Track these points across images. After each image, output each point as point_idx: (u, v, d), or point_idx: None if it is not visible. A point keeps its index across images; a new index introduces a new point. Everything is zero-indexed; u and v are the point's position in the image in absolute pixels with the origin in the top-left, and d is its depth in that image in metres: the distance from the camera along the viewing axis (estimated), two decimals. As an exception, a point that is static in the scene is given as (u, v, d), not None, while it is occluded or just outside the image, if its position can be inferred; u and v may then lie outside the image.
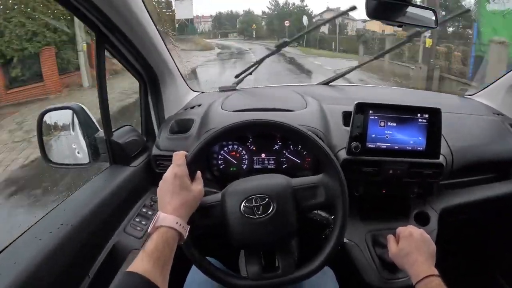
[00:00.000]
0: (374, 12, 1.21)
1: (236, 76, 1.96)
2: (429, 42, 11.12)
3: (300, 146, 1.50)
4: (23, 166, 5.63)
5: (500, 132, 1.66)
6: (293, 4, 50.37)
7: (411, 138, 1.32)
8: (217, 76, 14.16)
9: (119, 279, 0.98)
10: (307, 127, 1.16)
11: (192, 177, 0.96)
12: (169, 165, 1.40)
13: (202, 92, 2.01)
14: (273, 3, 52.29)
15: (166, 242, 0.82)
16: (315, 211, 1.13)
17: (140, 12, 1.25)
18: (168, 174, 0.94)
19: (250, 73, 1.91)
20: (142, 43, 1.36)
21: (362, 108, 1.30)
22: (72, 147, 1.40)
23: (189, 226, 0.90)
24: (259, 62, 1.86)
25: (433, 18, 1.30)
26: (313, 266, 1.00)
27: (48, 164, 1.33)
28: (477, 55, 10.16)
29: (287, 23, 40.98)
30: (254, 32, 51.40)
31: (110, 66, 1.63)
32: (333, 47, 30.45)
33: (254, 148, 1.52)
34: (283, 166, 1.51)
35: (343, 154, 1.36)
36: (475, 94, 2.04)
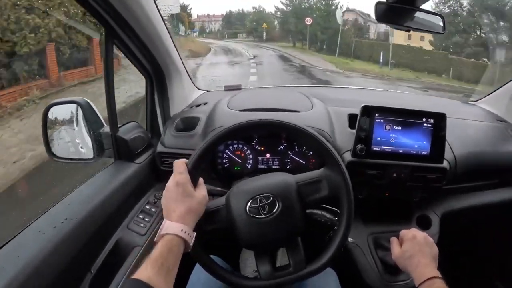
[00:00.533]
0: (383, 16, 1.21)
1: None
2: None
3: (305, 147, 1.50)
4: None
5: (503, 139, 1.67)
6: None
7: (416, 142, 1.33)
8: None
9: (124, 286, 1.00)
10: (314, 128, 1.16)
11: (194, 183, 0.97)
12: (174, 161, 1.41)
13: (207, 91, 2.02)
14: (288, -3, 40.50)
15: (171, 250, 0.82)
16: (320, 212, 1.12)
17: (150, 9, 1.25)
18: (171, 183, 0.94)
19: None
20: (150, 40, 1.36)
21: (368, 111, 1.31)
22: (76, 142, 1.39)
23: (195, 233, 0.90)
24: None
25: (441, 23, 1.30)
26: (324, 259, 1.00)
27: (52, 158, 1.32)
28: None
29: (308, 20, 32.04)
30: (264, 33, 45.74)
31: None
32: (380, 59, 21.82)
33: (259, 148, 1.52)
34: (288, 167, 1.51)
35: (348, 157, 1.36)
36: (479, 100, 2.04)
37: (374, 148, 1.33)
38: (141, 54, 1.42)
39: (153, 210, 1.35)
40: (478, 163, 1.54)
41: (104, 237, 1.18)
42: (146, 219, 1.30)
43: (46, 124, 1.31)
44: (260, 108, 1.53)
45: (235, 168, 1.53)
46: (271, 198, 0.98)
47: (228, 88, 1.97)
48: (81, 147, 1.39)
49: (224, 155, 1.52)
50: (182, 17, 38.04)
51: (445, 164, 1.37)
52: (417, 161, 1.34)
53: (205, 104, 1.71)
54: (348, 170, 1.03)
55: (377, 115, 1.31)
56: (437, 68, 19.87)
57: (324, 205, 1.16)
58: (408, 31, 1.32)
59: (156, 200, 1.39)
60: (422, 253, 1.03)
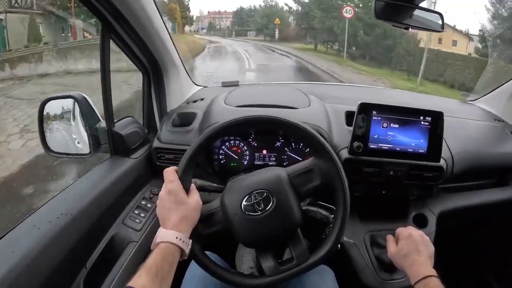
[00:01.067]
0: (381, 14, 1.21)
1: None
2: None
3: (301, 144, 1.50)
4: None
5: (500, 138, 1.67)
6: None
7: (413, 140, 1.32)
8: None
9: None
10: (310, 125, 1.16)
11: (187, 189, 0.97)
12: (170, 158, 1.40)
13: (205, 87, 2.01)
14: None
15: (165, 258, 0.82)
16: (315, 209, 1.12)
17: (147, 3, 1.24)
18: (163, 193, 0.94)
19: None
20: (147, 34, 1.35)
21: (366, 108, 1.31)
22: (73, 137, 1.39)
23: (190, 241, 0.90)
24: None
25: (440, 22, 1.30)
26: (327, 247, 1.00)
27: (47, 153, 1.32)
28: None
29: (348, 11, 21.11)
30: (277, 30, 39.37)
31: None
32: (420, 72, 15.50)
33: (255, 144, 1.52)
34: (284, 164, 1.51)
35: (344, 154, 1.36)
36: (476, 99, 2.04)
37: (371, 146, 1.33)
38: (138, 49, 1.42)
39: (149, 205, 1.35)
40: (475, 162, 1.54)
41: (100, 233, 1.17)
42: (142, 215, 1.30)
43: (42, 119, 1.30)
44: (257, 104, 1.53)
45: (232, 164, 1.53)
46: (265, 193, 0.97)
47: (226, 84, 1.97)
48: (78, 142, 1.38)
49: (221, 151, 1.52)
50: (171, 10, 31.91)
51: (442, 162, 1.37)
52: (414, 159, 1.34)
53: (202, 99, 1.71)
54: (345, 168, 1.03)
55: (374, 112, 1.30)
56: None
57: (319, 202, 1.15)
58: (407, 29, 1.31)
59: (152, 195, 1.39)
60: (418, 251, 1.03)
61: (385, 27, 18.85)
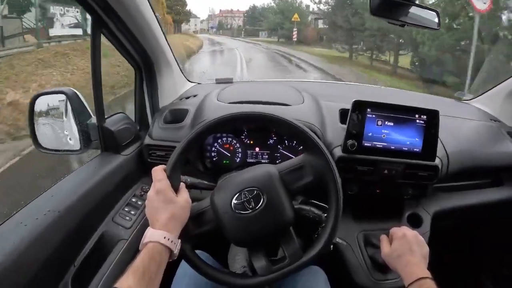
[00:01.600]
0: (377, 10, 1.21)
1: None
2: None
3: (295, 142, 1.49)
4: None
5: (496, 138, 1.67)
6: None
7: (408, 138, 1.31)
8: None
9: None
10: (303, 122, 1.14)
11: (175, 188, 0.95)
12: (161, 155, 1.39)
13: (198, 83, 2.00)
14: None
15: (153, 258, 0.81)
16: (308, 208, 1.11)
17: None
18: (151, 192, 0.93)
19: None
20: (139, 30, 1.34)
21: (360, 106, 1.30)
22: (64, 133, 1.37)
23: (179, 241, 0.89)
24: None
25: (436, 20, 1.29)
26: (319, 246, 0.98)
27: (38, 149, 1.30)
28: None
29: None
30: (295, 31, 31.51)
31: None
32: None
33: (248, 142, 1.51)
34: (277, 161, 1.50)
35: (338, 152, 1.35)
36: (472, 99, 2.05)
37: (365, 144, 1.32)
38: (130, 44, 1.40)
39: (139, 203, 1.33)
40: (471, 162, 1.54)
41: (89, 230, 1.16)
42: (132, 212, 1.29)
43: (33, 115, 1.29)
44: (250, 101, 1.52)
45: (224, 161, 1.52)
46: (255, 191, 0.96)
47: (220, 81, 1.96)
48: (69, 139, 1.37)
49: (213, 149, 1.51)
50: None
51: (437, 162, 1.37)
52: (409, 158, 1.33)
53: (195, 96, 1.70)
54: (339, 166, 1.01)
55: (368, 110, 1.29)
56: None
57: (312, 201, 1.14)
58: (403, 26, 1.31)
59: (142, 193, 1.37)
60: (412, 252, 1.02)
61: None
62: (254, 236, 0.97)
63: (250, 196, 0.95)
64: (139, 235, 1.13)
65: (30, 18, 11.79)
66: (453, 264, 1.96)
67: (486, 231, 1.90)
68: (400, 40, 16.35)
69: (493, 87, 1.91)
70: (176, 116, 1.54)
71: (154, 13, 1.38)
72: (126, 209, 1.29)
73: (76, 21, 13.18)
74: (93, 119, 1.33)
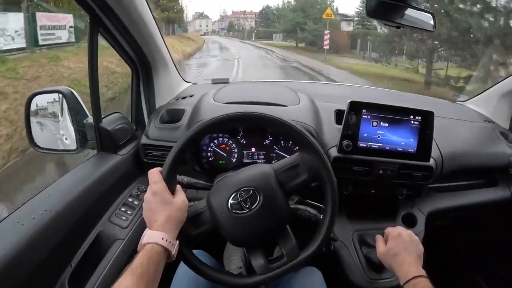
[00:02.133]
0: (373, 12, 1.21)
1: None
2: None
3: (290, 142, 1.49)
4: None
5: (490, 139, 1.68)
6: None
7: (403, 139, 1.33)
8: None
9: None
10: (299, 122, 1.15)
11: (172, 190, 0.95)
12: (158, 155, 1.39)
13: (194, 83, 2.00)
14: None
15: (151, 259, 0.81)
16: (303, 208, 1.12)
17: None
18: (148, 194, 0.93)
19: None
20: (137, 29, 1.34)
21: (356, 107, 1.30)
22: (60, 132, 1.37)
23: (177, 242, 0.89)
24: None
25: (431, 21, 1.30)
26: (317, 243, 0.99)
27: (34, 148, 1.30)
28: None
29: None
30: (327, 36, 20.57)
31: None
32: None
33: (244, 142, 1.51)
34: (273, 162, 1.50)
35: (334, 152, 1.36)
36: (467, 100, 2.06)
37: (361, 145, 1.33)
38: (127, 44, 1.40)
39: (135, 203, 1.33)
40: (465, 163, 1.55)
41: (85, 230, 1.16)
42: (129, 212, 1.29)
43: (29, 114, 1.29)
44: (246, 101, 1.52)
45: (220, 162, 1.52)
46: (251, 191, 0.96)
47: (216, 81, 1.96)
48: (65, 138, 1.37)
49: (209, 149, 1.51)
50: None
51: (431, 162, 1.38)
52: (404, 159, 1.35)
53: (191, 96, 1.70)
54: (334, 166, 1.02)
55: (364, 111, 1.30)
56: None
57: (308, 201, 1.15)
58: (398, 27, 1.31)
59: (139, 193, 1.37)
60: (407, 251, 1.03)
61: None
62: (251, 235, 0.97)
63: (247, 196, 0.95)
64: (136, 235, 1.13)
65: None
66: (447, 263, 1.97)
67: (480, 231, 1.91)
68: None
69: (488, 89, 1.93)
70: (173, 116, 1.55)
71: (152, 13, 1.38)
72: (122, 209, 1.29)
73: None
74: (90, 119, 1.33)
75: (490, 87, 1.91)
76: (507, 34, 10.02)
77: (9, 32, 8.39)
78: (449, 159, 1.48)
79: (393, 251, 1.05)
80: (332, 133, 1.43)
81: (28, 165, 4.87)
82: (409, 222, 1.46)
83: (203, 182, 1.19)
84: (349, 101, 1.31)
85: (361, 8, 22.79)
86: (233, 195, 0.96)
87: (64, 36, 10.87)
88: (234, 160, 1.52)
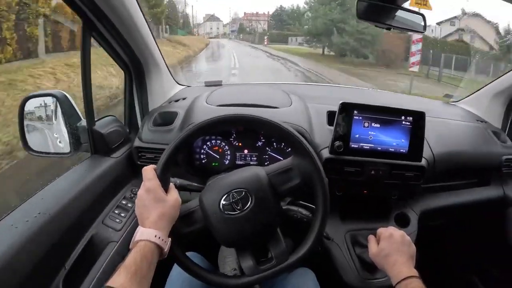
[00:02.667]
0: (364, 14, 1.23)
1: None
2: None
3: (283, 144, 1.50)
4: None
5: (482, 139, 1.70)
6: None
7: (394, 140, 1.33)
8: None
9: None
10: (291, 124, 1.16)
11: (165, 187, 0.96)
12: (151, 157, 1.39)
13: (188, 86, 2.01)
14: None
15: (144, 256, 0.81)
16: (296, 209, 1.12)
17: (129, 1, 1.23)
18: (141, 191, 0.93)
19: None
20: (129, 33, 1.34)
21: (347, 108, 1.31)
22: (54, 136, 1.37)
23: (169, 239, 0.90)
24: None
25: (422, 23, 1.31)
26: (306, 247, 1.00)
27: (28, 152, 1.30)
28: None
29: None
30: (413, 40, 9.71)
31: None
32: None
33: (237, 144, 1.52)
34: (266, 163, 1.51)
35: (326, 153, 1.36)
36: (460, 100, 2.08)
37: (352, 145, 1.33)
38: (120, 48, 1.41)
39: (129, 205, 1.34)
40: (457, 162, 1.56)
41: (79, 232, 1.16)
42: (122, 215, 1.29)
43: (23, 117, 1.28)
44: (238, 103, 1.52)
45: (213, 164, 1.53)
46: (243, 192, 0.97)
47: (209, 84, 1.97)
48: (59, 141, 1.37)
49: (202, 151, 1.52)
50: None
51: (423, 162, 1.39)
52: (396, 159, 1.35)
53: (184, 99, 1.70)
54: (326, 167, 1.03)
55: (355, 112, 1.31)
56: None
57: (300, 202, 1.15)
58: (389, 29, 1.32)
59: (132, 195, 1.38)
60: (399, 251, 1.04)
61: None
62: (241, 237, 0.98)
63: (239, 197, 0.96)
64: (129, 237, 1.13)
65: None
66: (441, 263, 1.98)
67: (474, 230, 1.92)
68: None
69: (480, 89, 1.95)
70: (166, 118, 1.55)
71: (144, 17, 1.38)
72: (116, 212, 1.29)
73: None
74: (83, 122, 1.33)
75: (483, 87, 1.92)
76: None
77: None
78: (441, 159, 1.49)
79: (385, 251, 1.06)
80: (324, 134, 1.44)
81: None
82: (402, 222, 1.47)
83: (196, 184, 1.19)
84: (340, 102, 1.32)
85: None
86: (225, 196, 0.97)
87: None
88: (227, 162, 1.53)
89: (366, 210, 1.47)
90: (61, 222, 1.06)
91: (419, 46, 9.99)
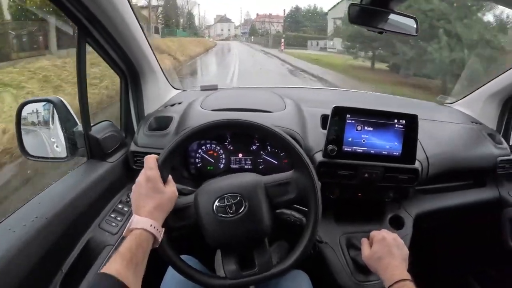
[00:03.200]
0: (356, 18, 1.22)
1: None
2: None
3: (277, 148, 1.51)
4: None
5: (477, 140, 1.70)
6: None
7: (387, 143, 1.34)
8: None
9: (92, 280, 0.99)
10: (285, 128, 1.17)
11: (164, 179, 0.97)
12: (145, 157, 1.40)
13: (183, 90, 2.02)
14: None
15: (140, 244, 0.82)
16: (289, 212, 1.13)
17: (122, 7, 1.24)
18: (141, 178, 0.94)
19: None
20: (124, 38, 1.35)
21: (340, 111, 1.32)
22: (51, 141, 1.38)
23: (163, 229, 0.90)
24: None
25: (414, 26, 1.31)
26: (289, 262, 1.00)
27: (25, 156, 1.31)
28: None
29: None
30: None
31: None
32: None
33: (231, 148, 1.53)
34: (260, 167, 1.52)
35: (319, 157, 1.37)
36: (454, 102, 2.08)
37: (346, 149, 1.34)
38: (115, 53, 1.42)
39: (125, 209, 1.35)
40: (452, 164, 1.57)
41: (75, 236, 1.17)
42: (118, 218, 1.30)
43: (20, 122, 1.29)
44: (233, 108, 1.54)
45: (208, 168, 1.53)
46: (238, 198, 0.98)
47: (204, 88, 1.98)
48: (56, 146, 1.38)
49: (197, 155, 1.53)
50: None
51: (417, 165, 1.39)
52: (389, 162, 1.36)
53: (179, 103, 1.71)
54: (319, 171, 1.04)
55: (348, 116, 1.32)
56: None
57: (293, 205, 1.16)
58: (381, 33, 1.33)
59: (128, 199, 1.38)
60: (392, 254, 1.04)
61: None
62: (229, 240, 0.99)
63: (233, 202, 0.97)
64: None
65: None
66: (437, 264, 1.99)
67: (468, 232, 1.93)
68: None
69: (474, 90, 1.95)
70: (161, 123, 1.56)
71: (139, 22, 1.39)
72: (112, 215, 1.30)
73: None
74: (79, 127, 1.34)
75: (477, 89, 1.93)
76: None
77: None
78: (435, 161, 1.50)
79: (378, 254, 1.06)
80: (317, 137, 1.44)
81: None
82: (397, 224, 1.48)
83: (190, 188, 1.20)
84: (333, 106, 1.32)
85: None
86: (220, 198, 0.98)
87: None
88: (222, 166, 1.54)
89: (361, 213, 1.48)
90: (58, 226, 1.07)
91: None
